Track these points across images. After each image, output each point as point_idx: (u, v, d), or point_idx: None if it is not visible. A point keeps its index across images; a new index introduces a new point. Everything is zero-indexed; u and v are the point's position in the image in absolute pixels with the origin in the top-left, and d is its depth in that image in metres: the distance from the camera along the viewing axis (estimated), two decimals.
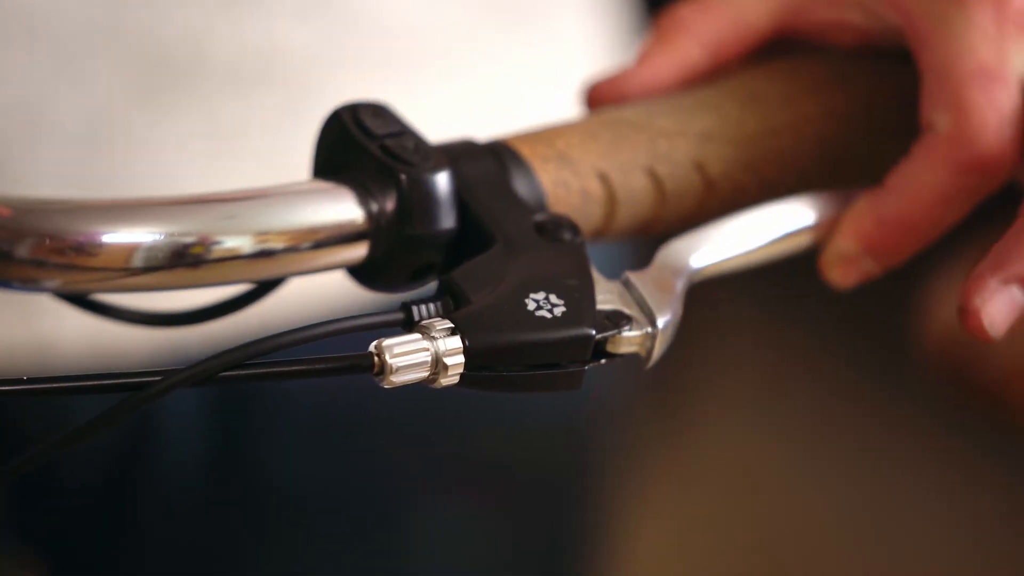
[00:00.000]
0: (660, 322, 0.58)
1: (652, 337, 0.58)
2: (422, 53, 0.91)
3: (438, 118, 0.89)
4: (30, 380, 0.54)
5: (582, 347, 0.57)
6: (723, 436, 2.23)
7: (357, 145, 0.59)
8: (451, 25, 0.92)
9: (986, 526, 2.06)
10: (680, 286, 0.60)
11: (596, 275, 0.59)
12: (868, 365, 2.14)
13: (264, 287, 0.60)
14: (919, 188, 0.63)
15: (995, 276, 0.61)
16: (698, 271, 0.61)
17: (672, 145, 0.63)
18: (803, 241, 0.65)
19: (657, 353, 0.59)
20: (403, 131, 0.59)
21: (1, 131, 0.85)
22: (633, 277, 0.59)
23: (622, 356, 0.58)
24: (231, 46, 0.86)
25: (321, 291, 0.86)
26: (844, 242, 0.64)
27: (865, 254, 0.64)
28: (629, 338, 0.58)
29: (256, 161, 0.88)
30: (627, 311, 0.58)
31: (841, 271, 0.65)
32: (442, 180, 0.58)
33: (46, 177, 0.87)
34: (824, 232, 0.65)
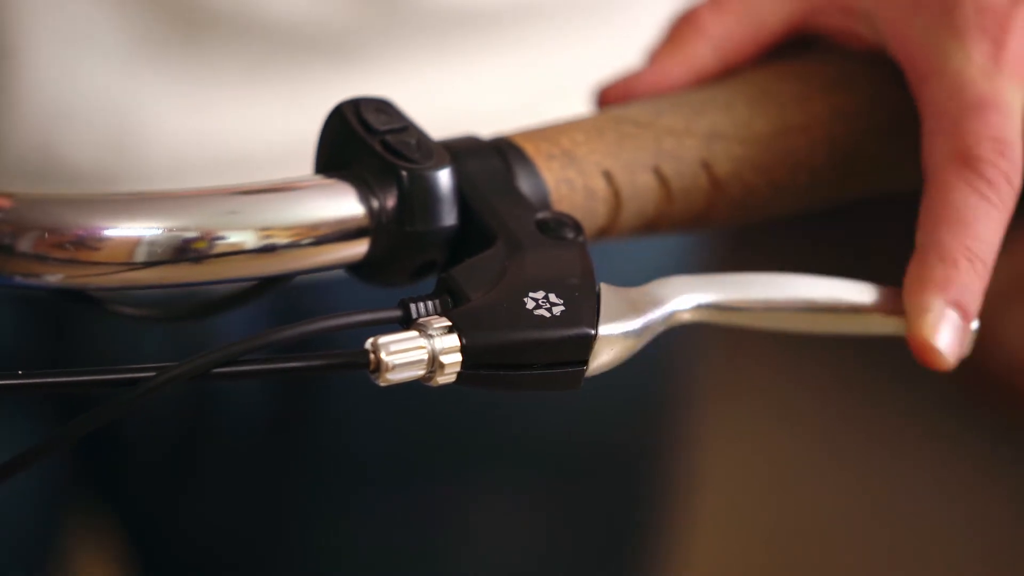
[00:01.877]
0: (602, 331, 0.57)
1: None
2: (481, 30, 0.90)
3: (483, 99, 0.89)
4: (27, 375, 0.54)
5: (581, 347, 0.56)
6: (778, 425, 2.23)
7: (359, 141, 0.58)
8: (525, 7, 0.91)
9: (1006, 519, 2.06)
10: (654, 315, 0.58)
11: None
12: (886, 360, 2.14)
13: (265, 285, 0.60)
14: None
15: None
16: (673, 314, 0.59)
17: (679, 143, 0.63)
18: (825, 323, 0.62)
19: (596, 365, 0.57)
20: (405, 127, 0.59)
21: (47, 67, 0.85)
22: (607, 290, 0.58)
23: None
24: (279, 7, 0.86)
25: None
26: (924, 308, 0.61)
27: (948, 307, 0.61)
28: None
29: (294, 110, 0.88)
30: None
31: (938, 336, 0.61)
32: (443, 177, 0.58)
33: (87, 115, 0.87)
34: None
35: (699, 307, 0.60)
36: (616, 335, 0.57)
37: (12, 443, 0.95)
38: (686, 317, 0.60)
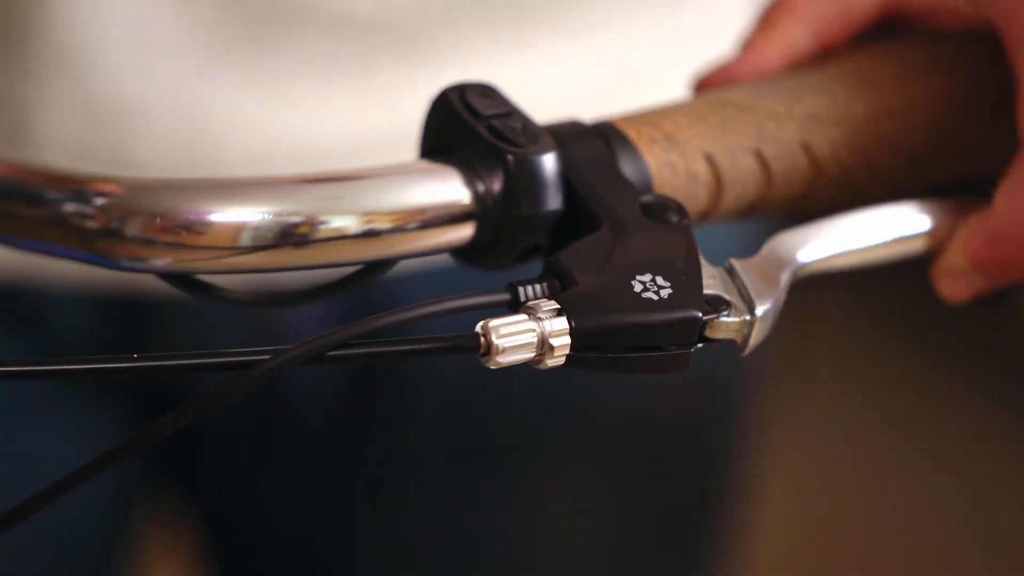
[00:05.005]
0: (759, 310, 0.58)
1: (749, 324, 0.58)
2: (552, 17, 0.90)
3: (555, 88, 0.89)
4: (141, 358, 0.54)
5: (688, 330, 0.56)
6: (835, 423, 2.22)
7: (464, 126, 0.59)
8: None
9: None
10: (784, 278, 0.60)
11: (700, 259, 0.58)
12: (981, 351, 2.13)
13: (369, 270, 0.60)
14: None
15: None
16: (804, 265, 0.61)
17: (779, 127, 0.63)
18: (916, 246, 0.64)
19: (754, 341, 0.58)
20: (510, 112, 0.59)
21: (118, 64, 0.86)
22: (737, 264, 0.59)
23: (719, 341, 0.58)
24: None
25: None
26: (956, 259, 0.65)
27: (975, 272, 0.64)
28: (727, 324, 0.57)
29: (369, 103, 0.88)
30: (727, 297, 0.58)
31: (952, 286, 0.65)
32: (549, 161, 0.58)
33: (159, 112, 0.87)
34: (937, 240, 0.65)
35: (823, 258, 0.61)
36: (770, 310, 0.58)
37: (96, 435, 0.96)
38: (811, 270, 0.61)
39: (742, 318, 0.58)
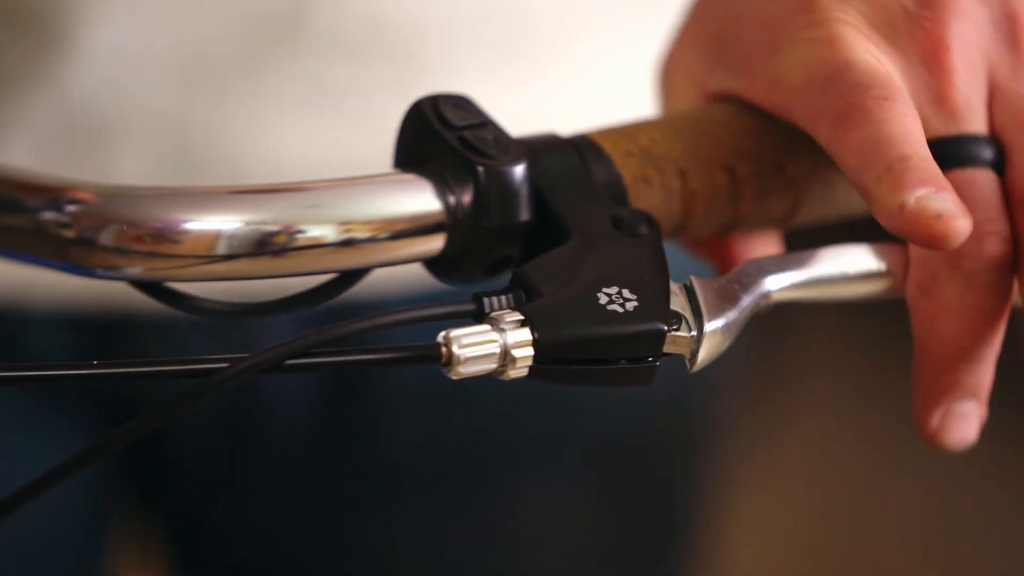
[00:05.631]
0: (707, 327, 0.58)
1: (696, 341, 0.58)
2: (546, 40, 0.91)
3: (543, 105, 0.89)
4: (101, 364, 0.54)
5: (653, 342, 0.57)
6: (816, 426, 2.22)
7: (437, 136, 0.59)
8: (581, 4, 0.92)
9: None
10: (746, 301, 0.59)
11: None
12: None
13: (343, 280, 0.60)
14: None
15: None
16: (770, 293, 0.61)
17: (756, 143, 0.63)
18: (889, 286, 0.63)
19: (703, 357, 0.58)
20: (484, 123, 0.60)
21: (101, 84, 0.86)
22: (697, 282, 0.59)
23: (667, 355, 0.58)
24: (334, 12, 0.86)
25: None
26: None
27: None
28: (673, 337, 0.57)
29: (355, 129, 0.88)
30: (679, 311, 0.58)
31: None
32: (519, 172, 0.59)
33: (143, 132, 0.87)
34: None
35: (789, 287, 0.61)
36: (719, 328, 0.58)
37: (57, 448, 0.96)
38: (776, 298, 0.61)
39: (690, 334, 0.58)
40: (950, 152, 0.60)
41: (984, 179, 0.60)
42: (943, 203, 0.56)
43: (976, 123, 0.60)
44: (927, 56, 0.60)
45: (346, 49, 0.87)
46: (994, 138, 0.60)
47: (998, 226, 0.59)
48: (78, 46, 0.86)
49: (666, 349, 0.58)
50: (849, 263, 0.62)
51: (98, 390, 0.96)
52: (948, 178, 0.58)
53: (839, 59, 0.59)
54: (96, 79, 0.86)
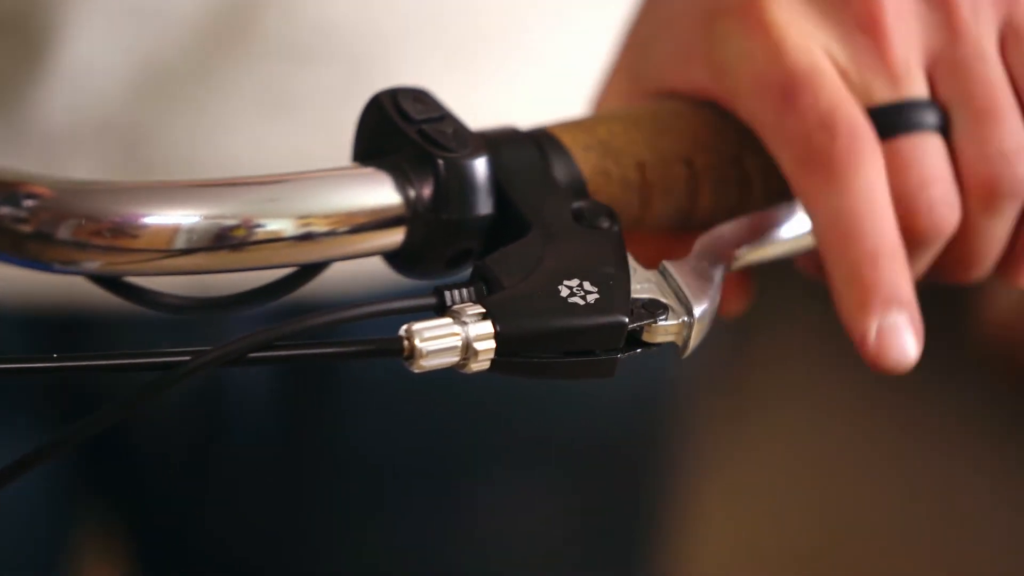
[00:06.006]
0: (697, 311, 0.58)
1: (688, 327, 0.58)
2: (492, 32, 0.90)
3: (499, 104, 0.89)
4: (61, 358, 0.54)
5: (615, 334, 0.57)
6: (781, 419, 2.23)
7: (396, 130, 0.59)
8: (529, 3, 0.92)
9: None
10: (718, 275, 0.60)
11: (634, 264, 0.59)
12: (926, 351, 2.15)
13: (302, 274, 0.60)
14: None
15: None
16: (735, 259, 0.61)
17: (714, 136, 0.63)
18: None
19: (694, 342, 0.59)
20: (443, 116, 0.59)
21: (51, 94, 0.86)
22: (671, 266, 0.59)
23: (658, 345, 0.58)
24: (286, 18, 0.86)
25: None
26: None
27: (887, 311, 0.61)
28: (665, 327, 0.58)
29: (309, 134, 0.88)
30: (664, 300, 0.58)
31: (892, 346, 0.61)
32: (479, 166, 0.59)
33: (95, 136, 0.87)
34: None
35: (751, 252, 0.62)
36: (707, 310, 0.59)
37: (12, 441, 0.95)
38: (742, 262, 0.62)
39: (680, 320, 0.58)
40: (896, 119, 0.60)
41: (931, 145, 0.60)
42: (901, 342, 0.60)
43: (918, 87, 0.61)
44: (863, 22, 0.61)
45: (298, 54, 0.87)
46: (936, 103, 0.61)
47: (947, 192, 0.60)
48: (32, 54, 0.85)
49: (658, 339, 0.58)
50: (801, 217, 0.63)
51: (56, 387, 0.95)
52: (895, 145, 0.59)
53: (783, 62, 0.60)
54: (46, 89, 0.86)
